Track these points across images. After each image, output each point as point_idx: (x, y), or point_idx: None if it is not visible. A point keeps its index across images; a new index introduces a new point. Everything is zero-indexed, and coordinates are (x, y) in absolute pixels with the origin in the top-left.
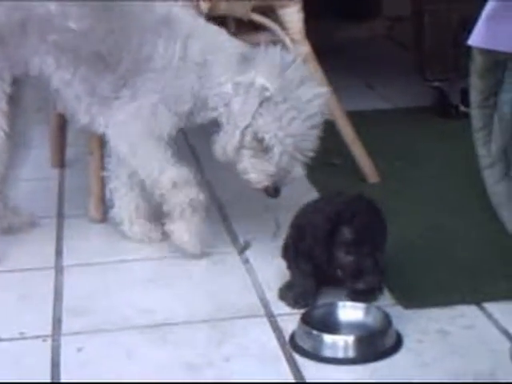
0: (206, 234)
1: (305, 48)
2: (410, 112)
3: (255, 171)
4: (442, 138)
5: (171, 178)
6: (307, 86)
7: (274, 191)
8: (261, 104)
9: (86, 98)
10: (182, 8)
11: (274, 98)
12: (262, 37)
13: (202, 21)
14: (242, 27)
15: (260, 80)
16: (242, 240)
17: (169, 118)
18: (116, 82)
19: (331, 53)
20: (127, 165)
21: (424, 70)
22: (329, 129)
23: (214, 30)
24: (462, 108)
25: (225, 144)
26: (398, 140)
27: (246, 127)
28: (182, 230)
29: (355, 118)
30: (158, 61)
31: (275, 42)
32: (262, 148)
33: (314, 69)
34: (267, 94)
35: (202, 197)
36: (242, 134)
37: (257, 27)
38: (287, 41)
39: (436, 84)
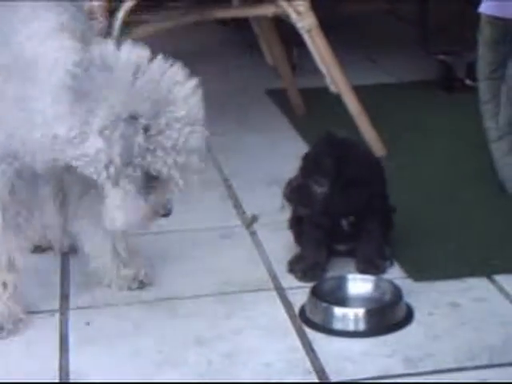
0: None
1: (310, 20)
2: (415, 86)
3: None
4: (447, 111)
5: None
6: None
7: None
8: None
9: None
10: None
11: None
12: (267, 9)
13: None
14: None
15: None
16: (249, 214)
17: None
18: None
19: (335, 28)
20: None
21: (429, 44)
22: (336, 103)
23: None
24: (468, 82)
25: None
26: (403, 114)
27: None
28: None
29: (360, 92)
30: None
31: (279, 14)
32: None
33: (320, 42)
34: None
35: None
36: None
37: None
38: (292, 12)
39: (441, 57)
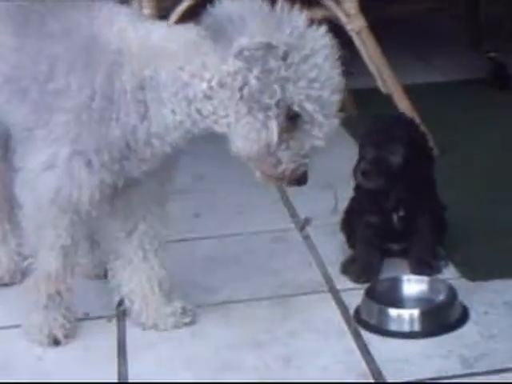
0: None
1: (360, 22)
2: (467, 84)
3: (288, 155)
4: (500, 109)
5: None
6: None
7: (304, 176)
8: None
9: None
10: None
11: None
12: (316, 12)
13: (140, 28)
14: (295, 3)
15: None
16: (302, 216)
17: (89, 175)
18: (27, 114)
19: (384, 27)
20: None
21: (480, 41)
22: (388, 103)
23: (145, 32)
24: None
25: (258, 137)
26: (455, 113)
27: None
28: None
29: (411, 92)
30: (70, 99)
31: (329, 17)
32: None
33: (370, 43)
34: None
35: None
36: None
37: (310, 3)
38: (341, 15)
39: (492, 55)
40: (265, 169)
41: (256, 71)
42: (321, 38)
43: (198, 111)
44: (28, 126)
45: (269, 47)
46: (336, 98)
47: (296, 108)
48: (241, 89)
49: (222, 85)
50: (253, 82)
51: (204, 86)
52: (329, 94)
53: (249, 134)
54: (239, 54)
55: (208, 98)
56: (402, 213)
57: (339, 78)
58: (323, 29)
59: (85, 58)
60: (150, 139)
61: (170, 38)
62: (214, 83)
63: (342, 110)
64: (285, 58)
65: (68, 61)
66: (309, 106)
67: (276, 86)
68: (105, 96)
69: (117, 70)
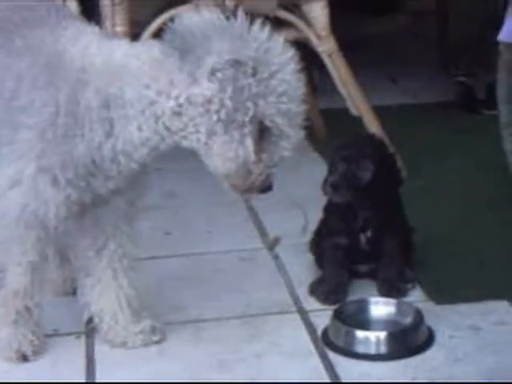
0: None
1: (331, 44)
2: (436, 107)
3: (260, 167)
4: (467, 132)
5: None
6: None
7: (271, 184)
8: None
9: None
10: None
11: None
12: (287, 34)
13: (105, 47)
14: (266, 24)
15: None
16: (271, 236)
17: (54, 192)
18: None
19: (355, 47)
20: None
21: (449, 65)
22: (357, 124)
23: (113, 45)
24: (486, 112)
25: (235, 155)
26: (423, 135)
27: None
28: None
29: (380, 112)
30: (34, 116)
31: (300, 39)
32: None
33: (341, 66)
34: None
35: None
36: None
37: (281, 24)
38: (313, 37)
39: (461, 79)
40: (236, 181)
41: (229, 91)
42: (284, 51)
43: (166, 128)
44: None
45: (238, 64)
46: (302, 109)
47: (267, 123)
48: (217, 111)
49: (190, 102)
50: (228, 102)
51: (172, 103)
52: (296, 106)
53: (227, 153)
54: (212, 76)
55: (177, 114)
56: (369, 234)
57: (303, 90)
58: (283, 41)
59: (48, 75)
60: (117, 156)
61: (133, 55)
62: (182, 100)
63: (310, 131)
64: (254, 73)
65: (31, 77)
66: (279, 120)
67: (249, 104)
68: (69, 113)
69: (81, 88)
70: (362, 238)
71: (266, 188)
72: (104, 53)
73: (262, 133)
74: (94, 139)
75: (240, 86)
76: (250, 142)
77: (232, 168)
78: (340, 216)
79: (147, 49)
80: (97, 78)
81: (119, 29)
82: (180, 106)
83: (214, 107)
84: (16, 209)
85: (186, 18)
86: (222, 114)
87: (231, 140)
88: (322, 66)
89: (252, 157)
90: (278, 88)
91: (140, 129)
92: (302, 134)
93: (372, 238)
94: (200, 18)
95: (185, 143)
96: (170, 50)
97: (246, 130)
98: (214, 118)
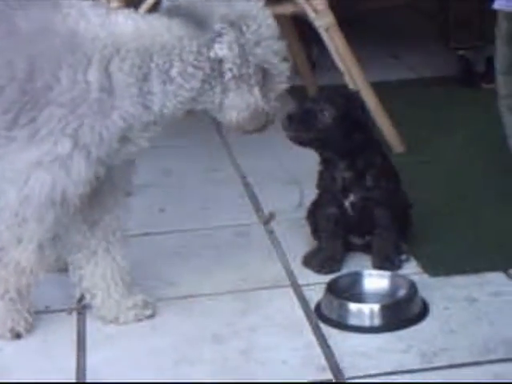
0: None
1: (328, 18)
2: (435, 81)
3: (268, 105)
4: (467, 106)
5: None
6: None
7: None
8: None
9: None
10: (92, 18)
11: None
12: (284, 7)
13: (119, 20)
14: None
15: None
16: (266, 211)
17: (87, 169)
18: (3, 116)
19: (354, 23)
20: None
21: (449, 39)
22: None
23: (131, 23)
24: (485, 85)
25: (247, 106)
26: (423, 110)
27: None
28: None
29: (380, 88)
30: (64, 94)
31: (298, 13)
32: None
33: (338, 40)
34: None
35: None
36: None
37: None
38: (310, 11)
39: (461, 53)
40: (250, 127)
41: (236, 50)
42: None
43: (188, 90)
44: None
45: (236, 25)
46: (283, 43)
47: (266, 66)
48: (231, 69)
49: (203, 66)
50: (237, 60)
51: (190, 69)
52: (280, 43)
53: (239, 106)
54: (220, 39)
55: (193, 77)
56: (352, 198)
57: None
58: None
59: (70, 54)
60: (148, 126)
61: (152, 25)
62: (196, 63)
63: None
64: (248, 29)
65: (52, 58)
66: (274, 60)
67: (250, 57)
68: (102, 88)
69: (108, 62)
70: (347, 204)
71: (273, 121)
72: (121, 25)
73: (264, 76)
74: (129, 111)
75: (241, 44)
76: (257, 91)
77: (246, 117)
78: (328, 186)
79: (160, 19)
80: (123, 50)
81: (114, 4)
82: (196, 68)
83: (226, 66)
84: (44, 189)
85: None
86: (234, 71)
87: (242, 93)
88: (320, 42)
89: (261, 103)
90: (266, 33)
91: (172, 95)
92: (288, 65)
93: (357, 204)
94: None
95: (200, 107)
96: (177, 19)
97: (252, 80)
98: (229, 75)
